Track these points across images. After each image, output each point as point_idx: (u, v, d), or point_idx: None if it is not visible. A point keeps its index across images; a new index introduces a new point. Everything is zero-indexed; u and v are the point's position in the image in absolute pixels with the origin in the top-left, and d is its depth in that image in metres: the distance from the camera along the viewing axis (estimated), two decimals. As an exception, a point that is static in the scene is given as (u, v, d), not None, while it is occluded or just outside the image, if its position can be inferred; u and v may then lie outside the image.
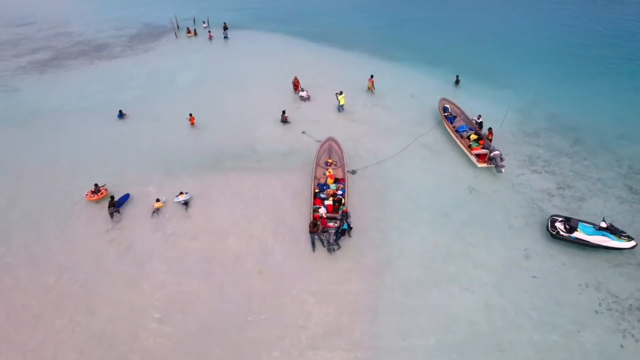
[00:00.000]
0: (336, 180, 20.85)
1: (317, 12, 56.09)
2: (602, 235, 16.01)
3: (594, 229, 16.28)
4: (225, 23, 48.81)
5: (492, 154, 21.41)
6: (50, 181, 22.79)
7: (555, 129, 25.17)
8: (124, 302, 15.59)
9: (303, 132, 26.06)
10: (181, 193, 20.66)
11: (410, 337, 13.88)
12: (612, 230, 16.07)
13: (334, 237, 16.86)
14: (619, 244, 15.82)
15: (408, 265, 16.47)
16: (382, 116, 27.90)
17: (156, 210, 20.06)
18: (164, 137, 26.70)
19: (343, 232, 17.19)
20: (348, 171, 22.04)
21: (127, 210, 20.29)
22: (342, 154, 22.36)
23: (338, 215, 18.08)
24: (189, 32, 48.59)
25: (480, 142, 23.11)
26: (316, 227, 16.89)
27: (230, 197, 20.83)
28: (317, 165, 22.03)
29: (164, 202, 20.46)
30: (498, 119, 24.05)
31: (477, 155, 22.19)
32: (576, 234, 16.29)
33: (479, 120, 24.91)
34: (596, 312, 14.19)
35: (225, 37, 46.11)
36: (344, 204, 18.97)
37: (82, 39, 49.90)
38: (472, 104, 27.45)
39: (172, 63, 39.78)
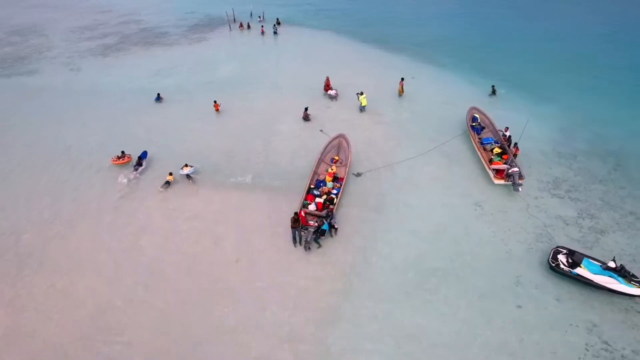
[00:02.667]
0: (335, 179, 20.43)
1: (374, 14, 55.22)
2: (609, 276, 14.07)
3: (600, 268, 14.36)
4: (277, 19, 49.84)
5: (510, 171, 19.76)
6: (83, 149, 25.14)
7: (596, 153, 22.63)
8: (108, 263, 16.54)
9: (320, 131, 25.84)
10: (186, 165, 21.90)
11: (363, 343, 13.24)
12: (622, 273, 14.06)
13: (312, 236, 16.58)
14: (626, 289, 13.81)
15: (382, 275, 15.75)
16: (407, 120, 26.84)
17: (167, 183, 21.21)
18: (189, 120, 28.10)
19: (323, 232, 16.77)
20: (353, 173, 21.54)
21: (144, 180, 22.09)
22: (349, 152, 21.88)
23: (323, 213, 17.69)
24: (241, 25, 50.22)
25: (504, 156, 21.38)
26: (297, 223, 16.72)
27: (231, 186, 21.21)
28: (322, 160, 21.76)
29: (175, 177, 21.58)
30: (533, 135, 22.26)
31: (496, 171, 20.56)
32: (579, 270, 14.49)
33: (506, 134, 23.09)
34: (579, 358, 12.50)
35: (275, 33, 46.98)
36: (334, 204, 18.56)
37: (147, 26, 53.56)
38: (506, 117, 25.45)
39: (218, 54, 41.42)
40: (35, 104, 31.97)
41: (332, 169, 20.95)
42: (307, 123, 27.03)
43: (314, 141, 24.43)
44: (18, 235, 18.43)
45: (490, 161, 21.33)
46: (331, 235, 17.47)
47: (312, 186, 19.85)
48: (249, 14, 54.75)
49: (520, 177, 19.69)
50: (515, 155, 21.48)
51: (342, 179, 20.43)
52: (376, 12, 55.74)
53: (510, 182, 19.71)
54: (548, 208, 18.67)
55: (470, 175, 21.22)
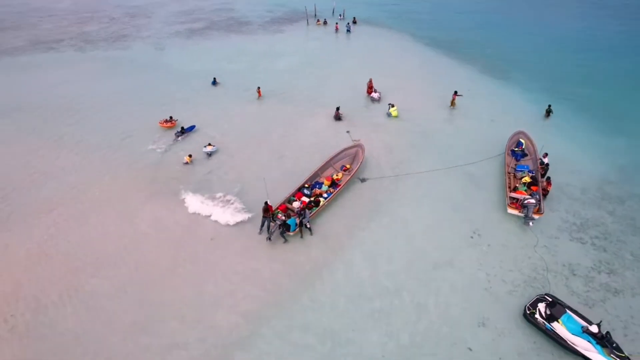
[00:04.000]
0: (333, 184, 19.99)
1: (460, 19, 52.24)
2: (587, 340, 11.85)
3: (580, 328, 12.16)
4: (354, 17, 49.85)
5: (525, 201, 17.52)
6: (142, 112, 29.03)
7: (655, 200, 18.97)
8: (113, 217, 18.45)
9: (347, 132, 25.45)
10: (209, 144, 23.60)
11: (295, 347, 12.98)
12: (603, 342, 11.73)
13: (277, 229, 16.77)
14: (601, 359, 11.51)
15: (342, 286, 15.09)
16: (442, 133, 25.10)
17: (186, 163, 22.75)
18: (233, 104, 30.07)
19: (288, 227, 16.68)
20: (358, 178, 20.95)
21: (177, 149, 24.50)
22: (360, 162, 21.19)
23: (300, 210, 17.54)
24: (318, 21, 51.19)
25: (532, 187, 18.96)
26: (267, 213, 16.93)
27: (237, 172, 21.96)
28: (330, 164, 21.44)
29: (193, 159, 23.03)
30: (581, 169, 19.85)
31: (513, 199, 18.37)
32: (554, 325, 12.45)
33: (544, 160, 20.47)
34: None
35: (348, 31, 47.04)
36: (318, 206, 18.31)
37: (235, 15, 57.34)
38: (555, 143, 22.54)
39: (286, 46, 42.84)
40: (117, 73, 36.52)
41: (337, 176, 20.52)
42: (337, 122, 26.79)
43: (334, 141, 24.16)
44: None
45: (514, 189, 19.12)
46: (301, 236, 17.24)
47: (306, 185, 19.68)
48: (332, 11, 55.51)
49: (537, 210, 17.37)
50: (546, 191, 18.92)
51: (339, 185, 19.85)
52: (463, 18, 52.65)
53: (523, 214, 17.51)
54: (560, 252, 16.17)
55: (485, 201, 19.21)
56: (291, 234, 17.07)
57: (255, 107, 29.64)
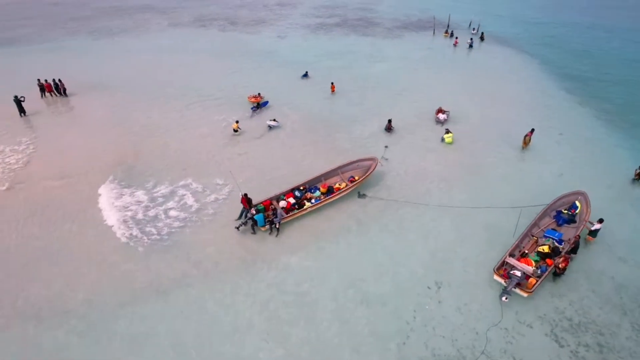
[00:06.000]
0: (328, 191, 19.79)
1: (623, 54, 43.18)
2: None
3: None
4: (482, 33, 45.85)
5: (511, 271, 14.78)
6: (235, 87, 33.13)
7: None
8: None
9: (385, 147, 24.52)
10: (274, 120, 26.67)
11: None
12: None
13: (247, 219, 17.54)
14: None
15: (262, 287, 15.28)
16: (495, 173, 21.90)
17: (235, 130, 25.69)
18: (311, 95, 31.99)
19: (255, 221, 17.32)
20: (358, 191, 20.31)
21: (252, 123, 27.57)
22: (366, 176, 20.42)
23: (273, 209, 18.03)
24: (445, 32, 48.54)
25: (547, 260, 15.73)
26: (247, 204, 17.83)
27: (276, 158, 23.50)
28: (337, 172, 21.16)
29: (240, 127, 25.90)
30: None
31: (503, 264, 15.56)
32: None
33: (594, 226, 16.58)
34: None
35: (470, 46, 43.60)
36: (301, 208, 18.52)
37: (370, 15, 58.29)
38: (630, 219, 18.04)
39: (394, 52, 42.21)
40: (232, 52, 41.75)
41: (339, 185, 20.21)
42: (385, 134, 25.95)
43: (369, 150, 23.66)
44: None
45: (523, 255, 16.11)
46: (269, 233, 17.65)
47: (301, 188, 19.89)
48: (469, 24, 52.01)
49: (518, 284, 14.44)
50: (559, 270, 15.30)
51: (334, 194, 19.46)
52: (631, 51, 43.36)
53: (504, 286, 14.74)
54: (520, 344, 13.03)
55: (477, 255, 16.48)
56: (262, 229, 17.74)
57: (325, 101, 30.90)
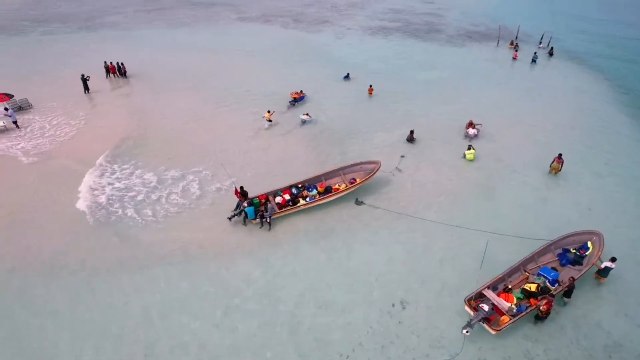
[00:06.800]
0: (325, 191, 19.79)
1: None
2: None
3: None
4: (552, 48, 42.21)
5: (480, 304, 13.80)
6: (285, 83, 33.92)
7: None
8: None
9: (401, 156, 23.84)
10: (307, 114, 27.48)
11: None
12: None
13: (238, 212, 18.18)
14: None
15: (233, 278, 15.81)
16: (511, 198, 20.32)
17: (269, 120, 26.86)
18: (347, 97, 32.19)
19: (246, 213, 17.87)
20: (357, 197, 20.08)
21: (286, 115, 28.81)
22: (366, 180, 20.11)
23: (265, 203, 18.47)
24: (511, 44, 45.38)
25: (531, 300, 14.39)
26: (242, 197, 18.47)
27: (291, 155, 24.03)
28: (339, 172, 21.05)
29: (272, 117, 27.07)
30: None
31: (480, 295, 14.53)
32: None
33: (605, 265, 14.97)
34: None
35: (533, 61, 40.38)
36: (294, 205, 18.84)
37: (435, 21, 56.27)
38: None
39: (447, 61, 40.57)
40: (288, 49, 42.98)
41: (338, 185, 20.16)
42: (406, 144, 25.20)
43: (384, 158, 22.91)
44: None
45: (506, 290, 14.91)
46: (260, 226, 18.11)
47: (300, 185, 20.04)
48: (540, 37, 48.20)
49: (484, 319, 13.40)
50: (542, 314, 13.84)
51: (330, 195, 19.45)
52: None
53: (469, 319, 13.76)
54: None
55: (460, 281, 15.52)
56: (253, 221, 18.29)
57: (360, 103, 30.97)
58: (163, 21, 56.18)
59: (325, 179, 20.82)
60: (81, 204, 19.34)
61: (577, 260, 15.96)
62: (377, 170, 20.41)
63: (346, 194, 19.94)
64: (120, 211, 19.00)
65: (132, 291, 14.97)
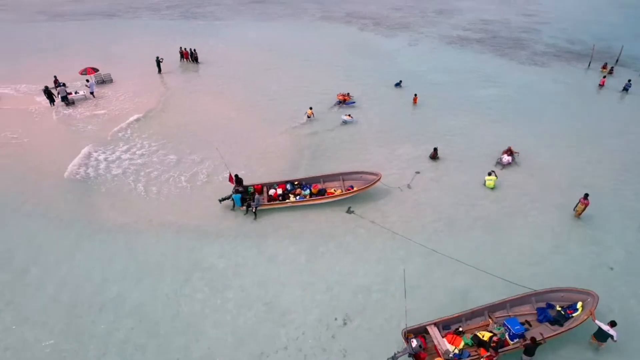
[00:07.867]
0: (318, 193, 19.90)
1: None
2: None
3: None
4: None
5: (411, 339, 12.86)
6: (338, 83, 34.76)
7: None
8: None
9: (416, 172, 22.87)
10: (349, 115, 28.55)
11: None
12: None
13: (228, 197, 19.39)
14: None
15: (202, 260, 16.99)
16: (522, 239, 18.31)
17: (309, 116, 28.37)
18: (392, 101, 32.31)
19: (233, 200, 19.00)
20: (349, 206, 19.87)
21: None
22: (363, 188, 19.82)
23: (252, 193, 19.35)
24: (603, 67, 39.76)
25: (481, 349, 13.02)
26: (237, 184, 19.51)
27: (307, 156, 25.02)
28: (339, 177, 21.02)
29: (313, 113, 28.61)
30: None
31: (423, 330, 13.67)
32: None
33: (606, 330, 13.06)
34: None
35: (625, 89, 34.84)
36: (285, 199, 19.49)
37: (527, 37, 51.12)
38: None
39: (516, 77, 37.32)
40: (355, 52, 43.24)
41: (334, 190, 20.18)
42: (429, 160, 24.05)
43: (399, 173, 22.75)
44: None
45: (457, 332, 13.76)
46: (245, 213, 19.17)
47: (296, 183, 20.41)
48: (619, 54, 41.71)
49: (416, 356, 12.57)
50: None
51: (321, 197, 19.54)
52: None
53: (396, 351, 13.01)
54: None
55: (421, 312, 14.61)
56: (240, 208, 19.36)
57: (401, 112, 30.51)
58: (250, 14, 59.97)
59: (324, 182, 20.98)
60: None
61: (557, 321, 14.02)
62: (376, 182, 20.00)
63: (340, 200, 19.91)
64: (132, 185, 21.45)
65: (113, 252, 17.05)
